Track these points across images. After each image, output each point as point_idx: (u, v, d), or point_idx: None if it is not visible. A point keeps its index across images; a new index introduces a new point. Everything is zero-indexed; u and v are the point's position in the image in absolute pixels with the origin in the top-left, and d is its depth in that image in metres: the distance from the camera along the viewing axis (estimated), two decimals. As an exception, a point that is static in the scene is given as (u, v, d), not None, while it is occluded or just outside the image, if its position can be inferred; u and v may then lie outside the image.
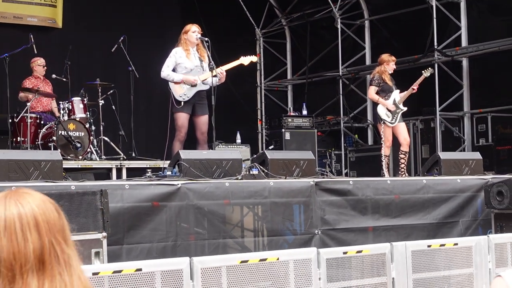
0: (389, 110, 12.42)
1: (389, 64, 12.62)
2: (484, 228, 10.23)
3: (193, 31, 11.02)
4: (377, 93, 12.50)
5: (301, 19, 19.46)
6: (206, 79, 10.92)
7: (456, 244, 8.07)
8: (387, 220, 10.08)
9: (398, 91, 12.57)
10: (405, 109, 12.64)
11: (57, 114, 12.65)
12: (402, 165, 12.59)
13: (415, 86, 12.61)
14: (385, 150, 12.66)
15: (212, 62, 10.93)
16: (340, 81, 18.57)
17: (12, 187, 6.43)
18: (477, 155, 12.01)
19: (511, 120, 15.83)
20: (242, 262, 6.86)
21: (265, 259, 6.97)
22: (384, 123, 12.50)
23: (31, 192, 2.17)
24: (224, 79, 11.05)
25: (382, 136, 12.66)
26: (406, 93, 12.56)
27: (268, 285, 6.92)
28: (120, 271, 6.27)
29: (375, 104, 12.92)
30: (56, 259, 2.06)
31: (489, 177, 11.12)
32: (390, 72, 12.65)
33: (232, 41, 14.00)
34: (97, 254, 7.81)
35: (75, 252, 2.14)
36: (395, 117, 12.49)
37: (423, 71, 12.86)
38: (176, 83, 10.90)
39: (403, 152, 12.65)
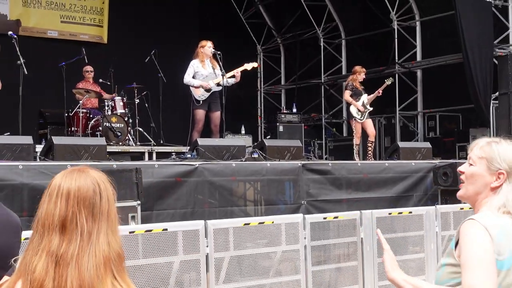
0: (359, 110, 12.46)
1: (360, 74, 12.67)
2: (432, 200, 10.23)
3: (208, 46, 11.01)
4: (350, 96, 12.52)
5: (292, 38, 19.38)
6: (218, 83, 10.91)
7: (410, 212, 8.09)
8: (358, 194, 10.09)
9: (366, 94, 12.57)
10: (371, 109, 12.67)
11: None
12: (370, 152, 12.64)
13: (380, 91, 12.64)
14: (356, 141, 12.72)
15: (223, 70, 10.93)
16: (322, 87, 18.59)
17: (67, 166, 6.43)
18: (427, 145, 12.00)
19: (453, 118, 15.88)
20: (245, 224, 6.85)
21: (263, 222, 6.97)
22: (355, 119, 12.56)
23: (88, 171, 2.21)
24: (239, 78, 11.04)
25: (353, 130, 12.72)
26: (372, 96, 12.57)
27: (265, 242, 6.92)
28: (150, 231, 6.27)
29: (348, 105, 12.95)
30: (76, 227, 2.07)
31: (436, 162, 11.13)
32: (360, 80, 12.69)
33: (238, 55, 13.93)
34: (133, 217, 7.84)
35: (102, 226, 2.11)
36: (363, 115, 12.53)
37: (385, 80, 12.86)
38: (195, 87, 10.90)
39: (370, 142, 12.68)
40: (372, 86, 13.01)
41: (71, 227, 2.06)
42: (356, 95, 12.62)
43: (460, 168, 2.74)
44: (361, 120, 12.58)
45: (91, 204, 2.10)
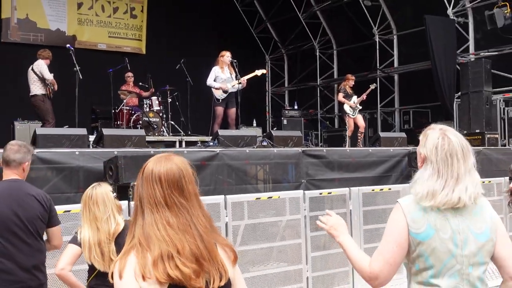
0: (351, 107, 12.48)
1: (350, 80, 12.81)
2: (407, 179, 10.12)
3: (227, 56, 10.99)
4: (343, 97, 12.56)
5: (294, 50, 19.33)
6: (234, 85, 10.90)
7: (389, 189, 8.07)
8: (347, 174, 10.05)
9: (355, 96, 12.60)
10: (360, 107, 12.73)
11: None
12: (359, 140, 12.64)
13: (364, 95, 12.67)
14: (348, 133, 12.75)
15: (238, 75, 10.91)
16: (318, 88, 18.54)
17: (114, 152, 6.37)
18: (403, 135, 11.92)
19: (424, 113, 15.82)
20: (256, 198, 6.87)
21: (271, 197, 6.98)
22: (348, 115, 12.59)
23: (173, 158, 2.23)
24: (245, 85, 11.00)
25: (347, 124, 12.73)
26: (359, 99, 12.62)
27: (273, 213, 6.93)
28: (181, 203, 6.30)
29: (341, 104, 12.96)
30: (174, 204, 2.11)
31: (410, 148, 11.05)
32: (351, 86, 12.78)
33: (250, 63, 13.87)
34: (166, 193, 7.87)
35: (194, 203, 2.15)
36: (355, 112, 12.57)
37: (370, 85, 12.88)
38: (216, 89, 10.91)
39: (360, 132, 12.67)
40: (358, 87, 13.02)
41: (172, 205, 2.11)
42: (347, 96, 12.66)
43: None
44: (353, 116, 12.64)
45: (179, 186, 2.13)
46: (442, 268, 2.42)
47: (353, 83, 12.91)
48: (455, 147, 2.47)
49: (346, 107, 12.65)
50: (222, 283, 2.08)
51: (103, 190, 3.98)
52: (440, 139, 2.50)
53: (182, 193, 2.13)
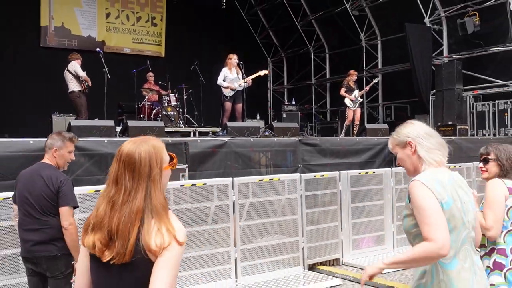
0: (351, 100, 12.31)
1: (353, 76, 12.39)
2: (389, 164, 10.12)
3: (234, 58, 10.92)
4: (345, 92, 12.30)
5: (292, 53, 19.26)
6: (240, 84, 10.85)
7: (374, 172, 8.03)
8: (337, 160, 10.02)
9: (357, 90, 12.37)
10: (361, 100, 12.60)
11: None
12: (355, 130, 12.43)
13: (368, 87, 12.69)
14: (347, 123, 12.49)
15: (244, 75, 10.86)
16: (312, 87, 18.48)
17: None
18: (386, 126, 11.83)
19: (404, 108, 15.76)
20: (259, 180, 6.85)
21: (272, 179, 6.97)
22: (348, 108, 12.36)
23: (146, 141, 2.07)
24: (250, 84, 10.95)
25: (346, 115, 12.49)
26: (361, 92, 12.49)
27: (273, 193, 6.91)
28: (195, 184, 6.28)
29: (343, 97, 12.48)
30: (122, 183, 1.99)
31: (392, 138, 11.04)
32: (354, 80, 12.41)
33: (254, 65, 13.78)
34: (183, 176, 7.84)
35: (141, 186, 1.98)
36: (355, 105, 12.34)
37: (373, 79, 12.87)
38: (224, 87, 10.87)
39: (356, 124, 12.42)
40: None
41: (120, 183, 2.00)
42: (349, 90, 12.38)
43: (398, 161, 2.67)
44: (353, 108, 12.40)
45: (131, 168, 1.99)
46: (458, 233, 2.40)
47: (356, 77, 12.61)
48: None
49: (347, 101, 12.38)
50: (122, 261, 1.92)
51: None
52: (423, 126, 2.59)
53: (132, 175, 1.98)
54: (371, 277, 2.44)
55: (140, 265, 1.92)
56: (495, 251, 3.30)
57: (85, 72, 10.31)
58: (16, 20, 14.54)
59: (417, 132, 2.53)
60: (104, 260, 1.94)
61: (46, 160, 3.99)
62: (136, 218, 1.94)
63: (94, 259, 2.02)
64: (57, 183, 3.82)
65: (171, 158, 2.12)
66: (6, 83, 13.67)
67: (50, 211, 3.81)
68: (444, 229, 2.28)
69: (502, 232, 3.30)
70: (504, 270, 3.24)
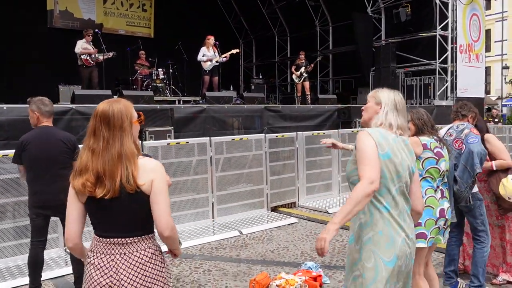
0: (297, 76, 12.23)
1: (301, 55, 12.29)
2: (336, 127, 10.22)
3: (211, 39, 10.74)
4: (294, 69, 12.23)
5: (260, 36, 18.80)
6: (217, 60, 10.66)
7: (324, 133, 8.10)
8: (295, 123, 10.09)
9: (304, 67, 12.23)
10: (306, 75, 12.46)
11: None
12: (308, 99, 12.26)
13: (311, 65, 12.46)
14: (297, 93, 12.51)
15: (220, 53, 10.68)
16: (276, 64, 18.19)
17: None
18: (334, 96, 12.03)
19: (349, 82, 15.71)
20: (232, 139, 6.84)
21: (242, 139, 6.96)
22: (296, 82, 12.29)
23: (119, 101, 2.05)
24: (228, 58, 10.76)
25: (295, 88, 12.48)
26: (306, 69, 12.32)
27: (243, 149, 6.91)
28: (179, 143, 6.23)
29: (291, 73, 12.58)
30: (100, 134, 1.99)
31: (339, 106, 11.12)
32: (302, 61, 12.36)
33: (228, 45, 13.50)
34: (169, 136, 7.76)
35: (116, 135, 1.97)
36: (300, 79, 12.36)
37: (317, 59, 12.76)
38: (204, 62, 10.65)
39: (307, 95, 12.29)
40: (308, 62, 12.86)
41: (97, 134, 1.99)
42: (298, 68, 12.42)
43: (363, 107, 2.62)
44: (298, 82, 12.47)
45: (106, 121, 1.98)
46: (393, 182, 2.36)
47: (303, 57, 12.61)
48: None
49: (294, 76, 12.54)
50: (113, 196, 1.93)
51: None
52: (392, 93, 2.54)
53: (108, 127, 1.97)
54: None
55: (131, 197, 1.94)
56: None
57: (80, 49, 9.91)
58: (26, 4, 13.85)
59: (391, 100, 2.49)
60: (98, 197, 1.95)
61: (50, 123, 3.88)
62: (118, 160, 1.95)
63: (91, 201, 1.99)
64: (72, 142, 3.85)
65: (139, 116, 2.11)
66: (19, 58, 13.14)
67: (67, 165, 3.76)
68: (376, 170, 2.26)
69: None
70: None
